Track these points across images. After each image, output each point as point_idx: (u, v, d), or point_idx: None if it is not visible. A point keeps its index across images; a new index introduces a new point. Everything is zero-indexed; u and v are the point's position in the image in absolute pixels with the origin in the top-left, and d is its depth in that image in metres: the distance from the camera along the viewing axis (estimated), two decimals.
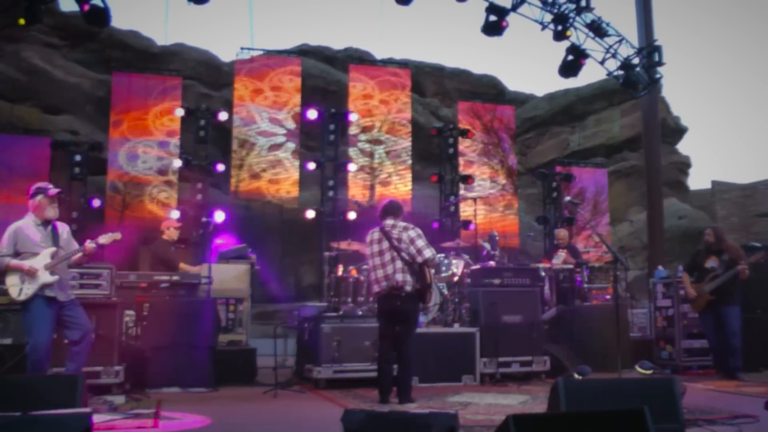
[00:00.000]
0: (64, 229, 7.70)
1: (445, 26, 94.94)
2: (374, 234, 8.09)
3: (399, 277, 7.76)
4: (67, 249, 7.56)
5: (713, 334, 10.12)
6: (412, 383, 7.93)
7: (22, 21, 13.37)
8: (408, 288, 7.78)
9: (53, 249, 7.40)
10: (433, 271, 10.26)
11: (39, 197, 7.45)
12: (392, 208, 8.19)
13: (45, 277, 7.24)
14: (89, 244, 7.49)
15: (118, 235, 7.71)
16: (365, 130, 17.56)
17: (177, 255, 11.15)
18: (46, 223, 7.48)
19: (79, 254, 7.57)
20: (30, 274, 7.19)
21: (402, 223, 7.99)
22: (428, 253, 7.84)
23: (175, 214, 13.94)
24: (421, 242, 7.84)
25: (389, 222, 8.00)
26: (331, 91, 25.00)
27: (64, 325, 7.43)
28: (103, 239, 7.57)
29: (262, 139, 16.86)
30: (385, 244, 7.90)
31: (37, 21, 13.73)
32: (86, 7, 13.62)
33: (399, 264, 7.79)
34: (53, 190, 7.54)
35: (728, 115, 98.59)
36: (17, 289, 7.21)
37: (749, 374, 9.91)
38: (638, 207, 24.79)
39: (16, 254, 7.29)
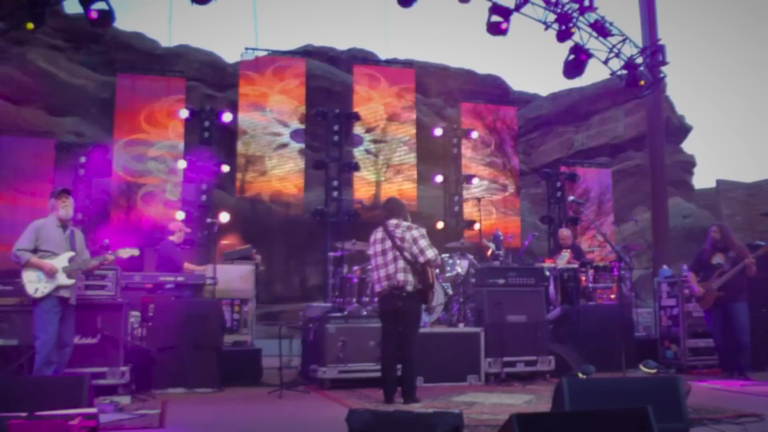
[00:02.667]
0: (79, 235, 8.06)
1: (449, 26, 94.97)
2: (377, 233, 8.07)
3: (401, 276, 7.74)
4: (81, 255, 7.86)
5: (720, 332, 10.07)
6: (416, 383, 7.93)
7: (30, 25, 13.39)
8: (409, 288, 7.76)
9: (72, 253, 7.73)
10: (437, 271, 10.30)
11: (52, 199, 7.87)
12: (394, 207, 8.16)
13: (63, 279, 7.57)
14: (110, 256, 7.99)
15: (136, 251, 8.21)
16: (369, 130, 17.55)
17: (182, 256, 11.17)
18: (65, 226, 7.82)
19: (97, 264, 7.99)
20: (49, 273, 7.49)
21: (405, 223, 7.97)
22: (431, 253, 7.80)
23: (181, 215, 13.96)
24: (423, 242, 7.82)
25: (393, 221, 7.98)
26: (336, 91, 25.01)
27: (62, 330, 7.66)
28: (123, 253, 7.97)
29: (267, 139, 16.85)
30: (388, 244, 7.87)
31: (41, 24, 13.74)
32: (94, 14, 13.67)
33: (401, 263, 7.77)
34: (58, 189, 7.99)
35: (733, 114, 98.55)
36: (34, 286, 7.49)
37: (755, 373, 9.89)
38: (643, 206, 24.78)
39: (35, 251, 7.59)
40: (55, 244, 7.64)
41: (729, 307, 9.88)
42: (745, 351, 9.82)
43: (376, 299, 8.50)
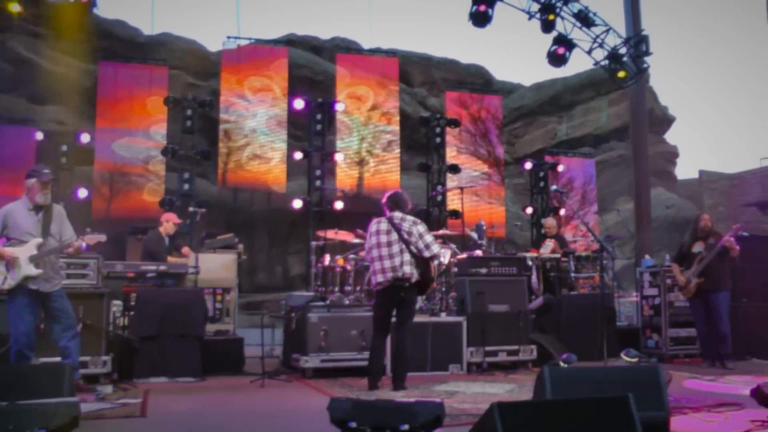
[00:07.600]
0: (59, 213, 7.58)
1: (433, 16, 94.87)
2: (381, 224, 8.09)
3: (407, 269, 7.85)
4: (60, 234, 7.46)
5: (702, 321, 10.14)
6: (407, 372, 8.00)
7: (11, 7, 13.30)
8: (413, 280, 7.93)
9: (40, 240, 7.26)
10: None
11: (32, 180, 7.32)
12: (399, 201, 8.20)
13: (28, 270, 7.16)
14: (76, 243, 7.44)
15: (103, 237, 7.67)
16: (353, 119, 17.54)
17: (166, 249, 11.03)
18: (38, 208, 7.35)
19: (69, 250, 7.52)
20: (11, 263, 7.11)
21: (411, 217, 8.10)
22: (436, 248, 8.06)
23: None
24: (429, 237, 8.03)
25: (398, 215, 8.04)
26: (318, 80, 24.95)
27: (52, 318, 7.42)
28: (89, 239, 7.52)
29: (249, 128, 16.81)
30: (394, 236, 7.95)
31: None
32: None
33: (407, 257, 7.88)
34: (46, 176, 7.38)
35: (716, 105, 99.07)
36: (2, 277, 7.13)
37: (736, 362, 9.96)
38: (626, 196, 24.86)
39: (6, 239, 7.22)
40: (24, 230, 7.23)
41: (710, 296, 9.97)
42: (724, 340, 9.88)
43: (374, 287, 8.40)
